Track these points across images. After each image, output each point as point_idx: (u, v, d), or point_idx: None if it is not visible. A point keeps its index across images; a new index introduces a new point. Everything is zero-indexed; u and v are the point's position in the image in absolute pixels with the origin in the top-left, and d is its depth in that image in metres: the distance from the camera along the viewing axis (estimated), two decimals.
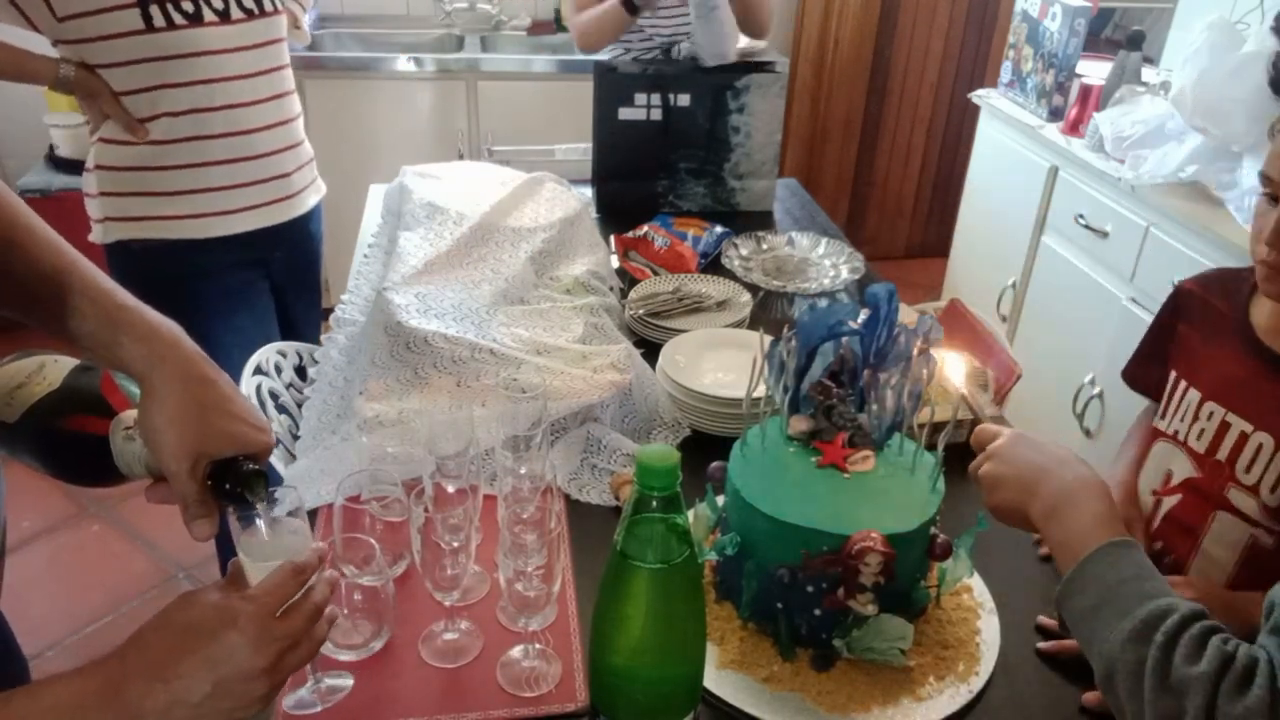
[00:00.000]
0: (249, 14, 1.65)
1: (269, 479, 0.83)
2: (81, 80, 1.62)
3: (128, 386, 0.93)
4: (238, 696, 0.71)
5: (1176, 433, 1.19)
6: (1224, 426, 1.12)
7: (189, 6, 1.57)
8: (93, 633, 2.23)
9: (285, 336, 1.88)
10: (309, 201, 1.91)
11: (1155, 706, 0.67)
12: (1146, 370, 1.31)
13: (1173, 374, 1.22)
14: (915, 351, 1.07)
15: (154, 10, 1.55)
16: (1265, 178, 1.02)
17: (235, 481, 0.81)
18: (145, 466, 0.88)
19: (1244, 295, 1.15)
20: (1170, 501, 1.18)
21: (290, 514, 0.85)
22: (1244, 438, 1.10)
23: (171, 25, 1.57)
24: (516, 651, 1.02)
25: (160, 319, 0.84)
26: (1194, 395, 1.17)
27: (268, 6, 1.69)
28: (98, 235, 1.73)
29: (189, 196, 1.71)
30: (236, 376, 1.58)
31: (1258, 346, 1.11)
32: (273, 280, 1.89)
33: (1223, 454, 1.12)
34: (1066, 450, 0.96)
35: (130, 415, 0.90)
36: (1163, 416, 1.22)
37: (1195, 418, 1.16)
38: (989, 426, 1.02)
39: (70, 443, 0.93)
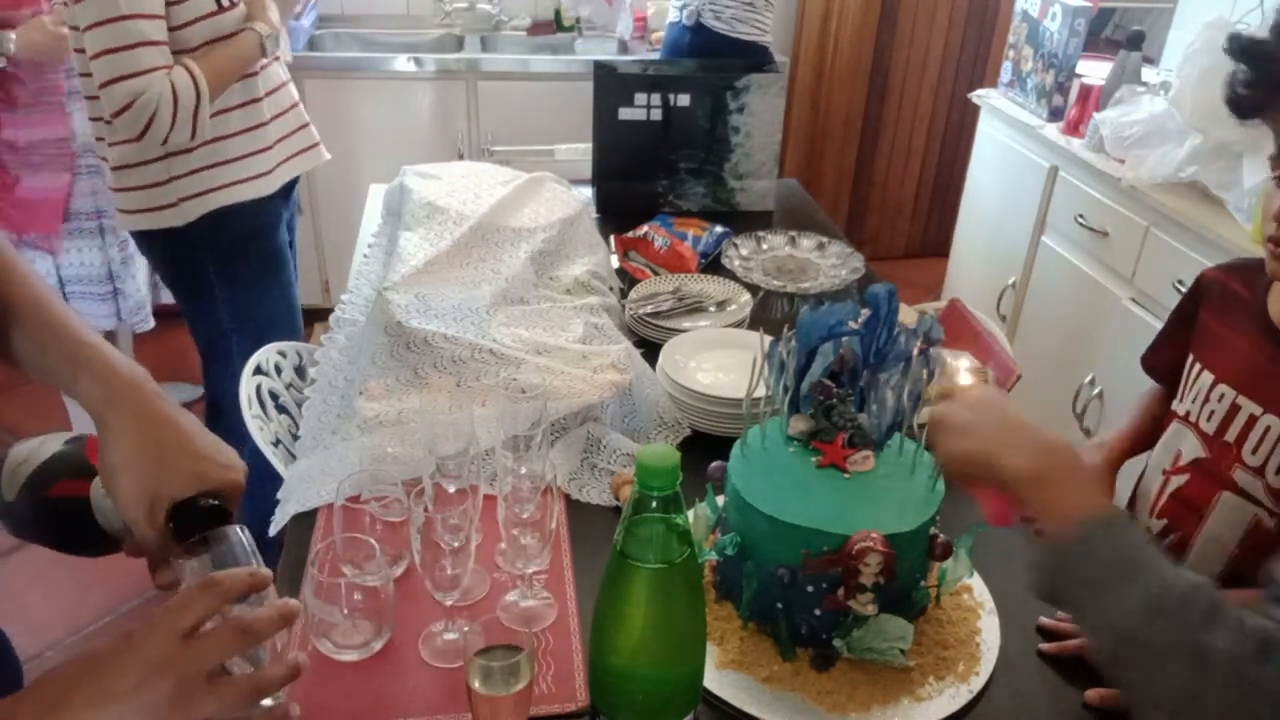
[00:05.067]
0: None
1: (230, 516, 0.79)
2: (273, 23, 1.82)
3: None
4: None
5: (1188, 414, 1.22)
6: (1234, 409, 1.15)
7: None
8: (93, 633, 2.23)
9: None
10: (325, 151, 2.10)
11: (1185, 680, 0.67)
12: (1163, 357, 1.33)
13: (1190, 357, 1.25)
14: (915, 351, 1.07)
15: None
16: (1276, 160, 1.03)
17: (193, 522, 0.76)
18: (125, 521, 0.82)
19: (1263, 283, 1.17)
20: (1178, 480, 1.21)
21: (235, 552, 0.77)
22: (1253, 420, 1.12)
23: (234, 4, 1.74)
24: None
25: (122, 359, 0.81)
26: (1207, 378, 1.20)
27: None
28: (174, 219, 1.84)
29: (249, 160, 1.88)
30: (284, 329, 1.93)
31: (1272, 332, 1.13)
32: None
33: (1231, 435, 1.15)
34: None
35: None
36: (1180, 400, 1.25)
37: (1206, 400, 1.19)
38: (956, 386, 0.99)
39: (57, 509, 0.90)
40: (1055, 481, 0.84)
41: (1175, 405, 1.25)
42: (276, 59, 1.96)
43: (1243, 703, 0.65)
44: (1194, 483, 1.18)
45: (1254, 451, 1.11)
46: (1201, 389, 1.20)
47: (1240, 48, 0.86)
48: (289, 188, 2.05)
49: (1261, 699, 0.65)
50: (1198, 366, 1.22)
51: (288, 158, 1.99)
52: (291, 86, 2.02)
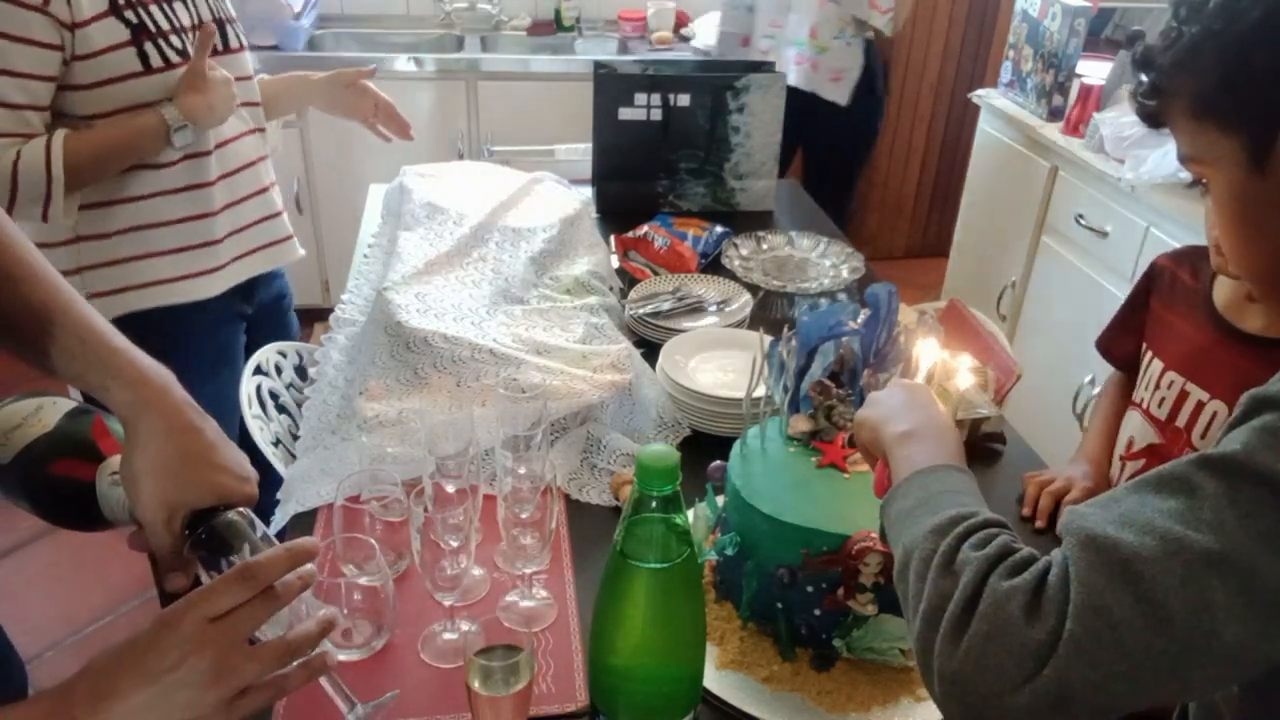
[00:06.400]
0: (214, 51, 1.52)
1: (253, 527, 0.81)
2: (191, 109, 1.43)
3: (119, 430, 0.89)
4: (182, 708, 0.66)
5: (1141, 400, 1.25)
6: (1183, 395, 1.18)
7: (178, 43, 1.46)
8: (93, 633, 2.23)
9: None
10: (299, 247, 1.76)
11: (936, 585, 0.68)
12: (1119, 342, 1.36)
13: (1144, 345, 1.28)
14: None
15: (149, 49, 1.42)
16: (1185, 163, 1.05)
17: (211, 532, 0.79)
18: (130, 513, 0.85)
19: (1209, 272, 1.20)
20: (1134, 465, 1.25)
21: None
22: (1200, 406, 1.16)
23: (168, 64, 1.44)
24: None
25: (151, 364, 0.83)
26: (1157, 365, 1.23)
27: (232, 43, 1.59)
28: None
29: (189, 253, 1.56)
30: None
31: (1217, 320, 1.16)
32: (249, 330, 1.74)
33: (1181, 420, 1.18)
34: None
35: (118, 460, 0.87)
36: (1135, 388, 1.29)
37: (1157, 386, 1.22)
38: None
39: (57, 486, 0.90)
40: (916, 440, 0.84)
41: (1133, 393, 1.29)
42: (260, 130, 1.67)
43: (987, 611, 0.64)
44: (1149, 467, 1.20)
45: (1203, 436, 1.14)
46: (1152, 376, 1.23)
47: (1135, 58, 0.86)
48: (247, 285, 1.67)
49: (996, 604, 0.64)
50: (1149, 354, 1.26)
51: (243, 254, 1.63)
52: (264, 167, 1.67)
